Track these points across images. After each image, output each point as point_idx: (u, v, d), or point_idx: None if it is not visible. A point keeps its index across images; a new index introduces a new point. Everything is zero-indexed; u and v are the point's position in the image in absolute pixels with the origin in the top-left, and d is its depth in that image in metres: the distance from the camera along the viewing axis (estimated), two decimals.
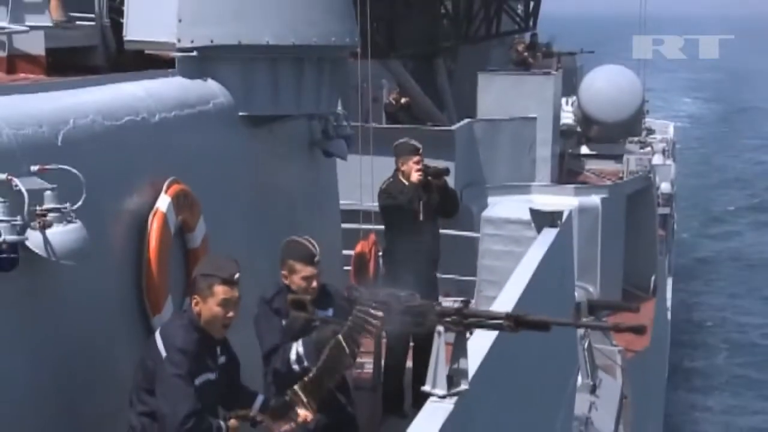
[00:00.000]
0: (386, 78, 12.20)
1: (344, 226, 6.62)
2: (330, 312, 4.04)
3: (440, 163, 6.42)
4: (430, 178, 6.02)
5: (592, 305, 8.04)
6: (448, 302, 3.10)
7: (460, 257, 7.88)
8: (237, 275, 3.45)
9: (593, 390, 7.44)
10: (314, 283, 4.09)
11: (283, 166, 5.44)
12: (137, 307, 3.91)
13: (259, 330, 4.03)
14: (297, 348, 3.83)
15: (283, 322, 3.98)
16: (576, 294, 7.11)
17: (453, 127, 11.06)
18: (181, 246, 4.25)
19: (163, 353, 3.33)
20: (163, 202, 4.03)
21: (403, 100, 11.84)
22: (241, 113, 4.84)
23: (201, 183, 4.32)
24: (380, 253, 6.61)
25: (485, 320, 2.98)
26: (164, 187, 4.06)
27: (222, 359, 3.54)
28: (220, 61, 4.72)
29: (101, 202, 3.61)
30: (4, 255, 3.03)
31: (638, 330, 2.87)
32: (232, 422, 3.50)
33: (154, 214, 3.99)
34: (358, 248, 6.69)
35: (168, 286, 4.00)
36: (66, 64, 4.74)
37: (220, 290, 3.42)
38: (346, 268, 6.61)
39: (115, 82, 4.16)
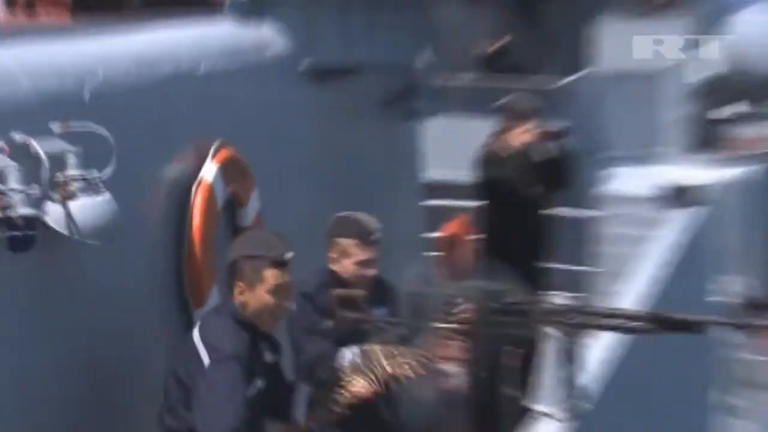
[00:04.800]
0: (481, 23, 11.94)
1: (429, 203, 6.60)
2: (384, 311, 3.96)
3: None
4: (541, 142, 5.86)
5: (754, 303, 7.73)
6: (560, 298, 3.29)
7: (573, 242, 7.54)
8: (289, 255, 3.40)
9: (739, 411, 7.25)
10: (371, 270, 3.97)
11: (355, 130, 5.44)
12: (176, 297, 3.91)
13: (295, 333, 3.88)
14: (353, 355, 3.73)
15: (328, 323, 3.87)
16: (730, 290, 6.74)
17: (563, 82, 10.76)
18: (230, 223, 4.25)
19: (206, 360, 3.24)
20: (209, 171, 4.04)
21: (498, 45, 11.53)
22: (303, 65, 4.87)
23: (255, 148, 4.29)
24: (474, 237, 6.51)
25: (613, 320, 2.95)
26: (211, 153, 4.07)
27: (270, 357, 3.50)
28: (278, 2, 4.75)
29: (135, 169, 3.61)
30: (19, 232, 2.99)
31: None
32: None
33: (198, 184, 4.00)
34: (447, 231, 6.62)
35: (214, 272, 3.96)
36: (94, 3, 4.73)
37: (271, 274, 3.36)
38: (429, 254, 6.58)
39: (151, 25, 4.18)
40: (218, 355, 3.22)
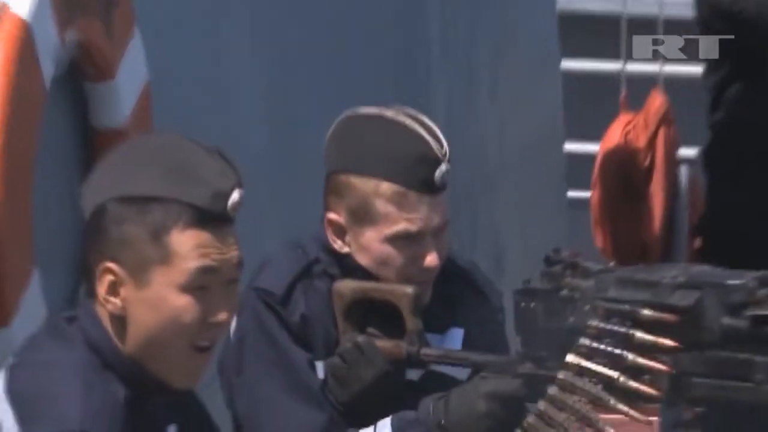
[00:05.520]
0: None
1: (571, 66, 6.90)
2: (458, 336, 3.80)
3: None
4: None
5: None
6: None
7: None
8: (236, 196, 3.15)
9: None
10: (432, 255, 3.69)
11: None
12: None
13: (246, 389, 3.78)
14: None
15: (320, 366, 3.73)
16: None
17: None
18: (77, 121, 4.24)
19: None
20: None
21: None
22: None
23: None
24: (683, 155, 6.83)
25: None
26: None
27: None
28: None
29: None
30: None
31: None
32: None
33: None
34: (615, 137, 6.80)
35: (31, 241, 3.98)
36: None
37: (189, 244, 3.15)
38: (574, 194, 6.69)
39: None
40: (47, 427, 3.08)
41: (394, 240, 3.67)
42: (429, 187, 3.67)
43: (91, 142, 4.25)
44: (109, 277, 3.06)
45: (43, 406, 3.05)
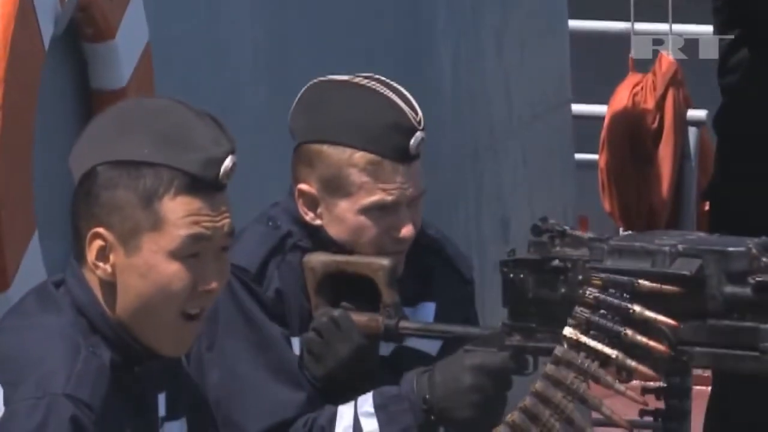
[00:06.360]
0: None
1: (577, 24, 6.98)
2: (430, 310, 3.84)
3: None
4: None
5: None
6: None
7: None
8: (228, 162, 3.18)
9: None
10: (407, 227, 3.74)
11: None
12: None
13: (220, 366, 3.79)
14: (358, 419, 3.67)
15: (296, 342, 3.77)
16: None
17: None
18: (77, 82, 4.22)
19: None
20: None
21: None
22: None
23: None
24: (693, 114, 6.88)
25: None
26: None
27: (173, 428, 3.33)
28: None
29: None
30: None
31: None
32: None
33: None
34: (623, 99, 6.90)
35: (31, 205, 3.99)
36: None
37: (180, 210, 3.20)
38: (582, 156, 6.64)
39: None
40: (29, 389, 3.09)
41: (369, 210, 3.70)
42: (404, 156, 3.70)
43: (91, 105, 4.22)
44: (99, 243, 3.10)
45: (28, 368, 3.07)
